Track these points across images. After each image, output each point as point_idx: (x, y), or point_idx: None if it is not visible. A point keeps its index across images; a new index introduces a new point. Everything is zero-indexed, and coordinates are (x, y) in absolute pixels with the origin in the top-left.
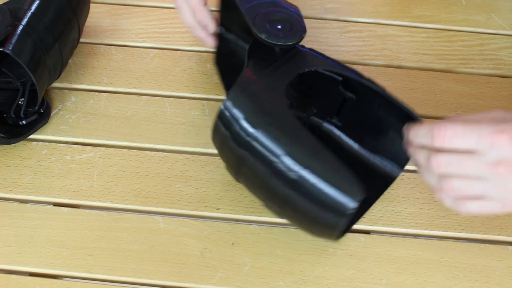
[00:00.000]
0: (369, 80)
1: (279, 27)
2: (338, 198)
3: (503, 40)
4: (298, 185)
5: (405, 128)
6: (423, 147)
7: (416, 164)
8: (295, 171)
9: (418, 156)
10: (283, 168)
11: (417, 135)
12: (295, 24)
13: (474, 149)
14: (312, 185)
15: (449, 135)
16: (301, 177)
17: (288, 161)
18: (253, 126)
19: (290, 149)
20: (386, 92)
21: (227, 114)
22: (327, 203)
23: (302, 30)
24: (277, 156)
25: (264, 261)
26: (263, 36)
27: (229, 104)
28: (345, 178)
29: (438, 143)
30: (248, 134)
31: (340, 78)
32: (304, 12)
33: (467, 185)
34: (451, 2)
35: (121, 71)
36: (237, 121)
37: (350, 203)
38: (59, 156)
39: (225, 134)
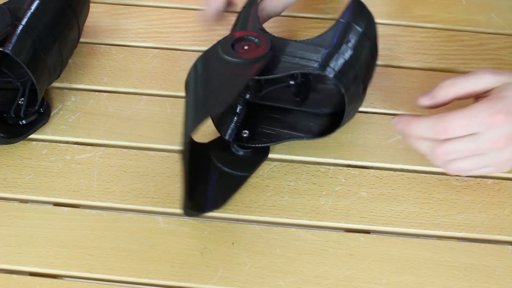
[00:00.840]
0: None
1: (246, 47)
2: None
3: (503, 40)
4: None
5: (395, 120)
6: (425, 138)
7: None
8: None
9: (421, 146)
10: None
11: (417, 130)
12: (252, 35)
13: (474, 132)
14: None
15: (451, 128)
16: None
17: None
18: None
19: None
20: None
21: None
22: None
23: (264, 38)
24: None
25: (264, 261)
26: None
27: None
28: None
29: (442, 137)
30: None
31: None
32: (304, 12)
33: (469, 163)
34: (451, 2)
35: (121, 71)
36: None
37: None
38: (59, 156)
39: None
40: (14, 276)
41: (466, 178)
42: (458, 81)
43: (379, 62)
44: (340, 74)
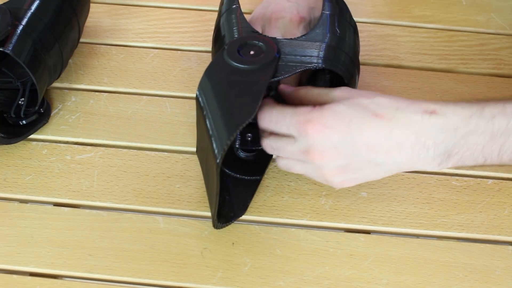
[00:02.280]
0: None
1: (252, 52)
2: None
3: (503, 40)
4: None
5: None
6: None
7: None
8: None
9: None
10: None
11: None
12: (254, 39)
13: (288, 133)
14: None
15: (266, 120)
16: None
17: None
18: None
19: None
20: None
21: None
22: None
23: (268, 41)
24: None
25: (264, 261)
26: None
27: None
28: None
29: (261, 125)
30: None
31: None
32: None
33: (295, 165)
34: (451, 2)
35: (121, 71)
36: None
37: None
38: (59, 156)
39: None
40: (14, 276)
41: (466, 178)
42: (315, 91)
43: (379, 62)
44: (341, 65)
